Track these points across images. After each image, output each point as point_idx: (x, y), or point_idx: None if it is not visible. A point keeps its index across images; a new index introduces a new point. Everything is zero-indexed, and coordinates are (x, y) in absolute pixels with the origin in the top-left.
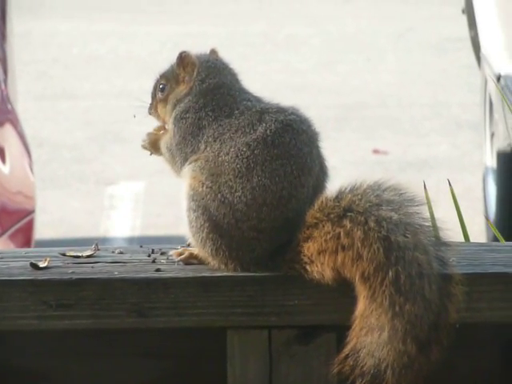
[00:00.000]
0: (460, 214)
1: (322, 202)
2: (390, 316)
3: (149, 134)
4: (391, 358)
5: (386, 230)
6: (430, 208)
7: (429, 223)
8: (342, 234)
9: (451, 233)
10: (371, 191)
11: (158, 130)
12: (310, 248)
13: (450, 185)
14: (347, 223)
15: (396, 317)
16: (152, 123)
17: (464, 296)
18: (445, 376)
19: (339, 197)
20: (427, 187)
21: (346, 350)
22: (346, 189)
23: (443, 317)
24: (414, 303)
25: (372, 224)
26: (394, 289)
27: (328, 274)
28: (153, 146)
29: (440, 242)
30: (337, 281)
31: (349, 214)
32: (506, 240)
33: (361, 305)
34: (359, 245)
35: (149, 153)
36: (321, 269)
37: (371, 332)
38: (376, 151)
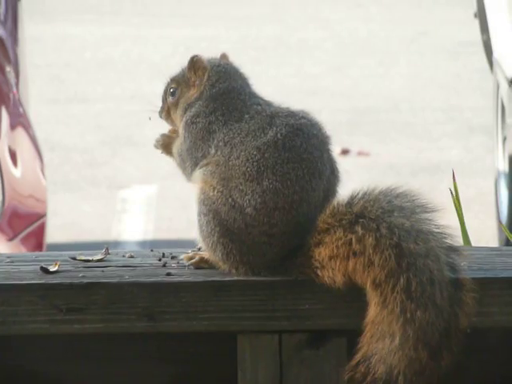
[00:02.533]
0: (461, 219)
1: (334, 207)
2: (402, 322)
3: (163, 136)
4: (403, 365)
5: (398, 237)
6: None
7: (440, 230)
8: (353, 240)
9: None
10: (383, 197)
11: (172, 132)
12: (321, 253)
13: (451, 192)
14: (359, 229)
15: (407, 323)
16: (164, 127)
17: (475, 302)
18: (456, 381)
19: (351, 202)
20: (439, 191)
21: (358, 357)
22: (357, 194)
23: (454, 324)
24: (425, 310)
25: (384, 231)
26: (406, 295)
27: (339, 280)
28: (165, 148)
29: (451, 249)
30: (348, 286)
31: (361, 220)
32: None
33: (372, 311)
34: (371, 251)
35: (160, 151)
36: (332, 274)
37: (382, 338)
38: (360, 153)
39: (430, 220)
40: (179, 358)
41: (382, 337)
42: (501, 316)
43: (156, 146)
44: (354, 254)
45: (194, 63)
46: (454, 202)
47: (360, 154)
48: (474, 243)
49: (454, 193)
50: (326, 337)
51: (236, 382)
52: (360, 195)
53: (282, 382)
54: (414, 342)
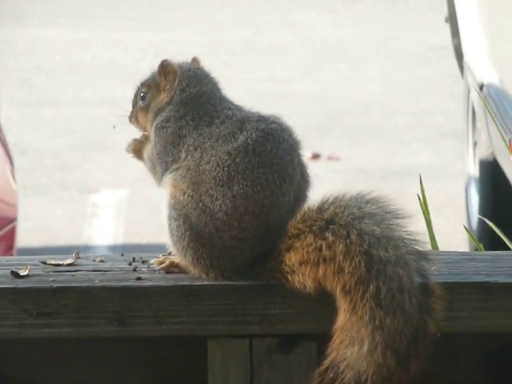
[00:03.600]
0: (429, 224)
1: (305, 212)
2: (370, 329)
3: (134, 140)
4: (371, 371)
5: (368, 244)
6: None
7: (411, 236)
8: (323, 246)
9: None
10: (354, 203)
11: (144, 138)
12: (291, 258)
13: (419, 198)
14: (329, 236)
15: (376, 330)
16: (135, 132)
17: (444, 309)
18: None
19: (322, 208)
20: (409, 195)
21: (326, 363)
22: (328, 199)
23: (422, 330)
24: (394, 317)
25: (354, 238)
26: (375, 303)
27: (309, 285)
28: (136, 153)
29: (421, 255)
30: (318, 291)
31: (331, 226)
32: (487, 249)
33: (341, 318)
34: (341, 258)
35: (131, 155)
36: (302, 279)
37: (351, 345)
38: (330, 157)
39: (400, 226)
40: (150, 362)
41: (351, 343)
42: (471, 320)
43: (127, 150)
44: (324, 260)
45: (164, 68)
46: (422, 207)
47: (330, 158)
48: (444, 248)
49: (421, 198)
50: (296, 341)
51: None
52: (331, 201)
53: None
54: (383, 348)
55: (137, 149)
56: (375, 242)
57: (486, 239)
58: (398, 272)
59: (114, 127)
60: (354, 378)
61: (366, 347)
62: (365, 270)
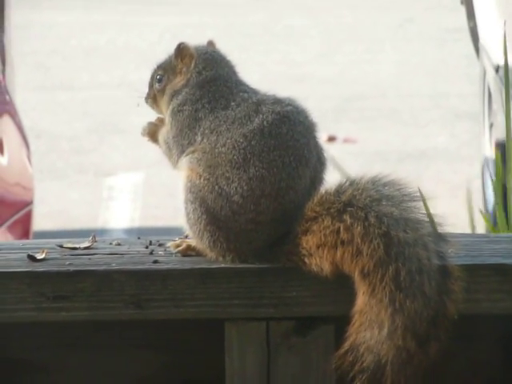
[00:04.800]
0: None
1: (322, 195)
2: (390, 312)
3: (149, 123)
4: (391, 354)
5: (387, 226)
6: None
7: (428, 218)
8: (341, 228)
9: (451, 225)
10: (371, 186)
11: (159, 121)
12: (308, 241)
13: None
14: (347, 218)
15: (396, 313)
16: (151, 115)
17: (462, 290)
18: (445, 367)
19: (339, 191)
20: (426, 178)
21: (346, 346)
22: (346, 182)
23: (441, 312)
24: (413, 299)
25: (372, 219)
26: (394, 285)
27: (327, 268)
28: (151, 136)
29: (440, 237)
30: (335, 274)
31: (349, 208)
32: (504, 231)
33: (360, 301)
34: (359, 240)
35: (146, 139)
36: (319, 262)
37: (370, 328)
38: (346, 140)
39: (417, 208)
40: (166, 346)
41: (371, 326)
42: (488, 303)
43: (143, 134)
44: (342, 242)
45: (181, 50)
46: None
47: (347, 140)
48: (460, 230)
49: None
50: (313, 324)
51: (223, 370)
52: (348, 183)
53: (269, 370)
54: (403, 331)
55: (152, 132)
56: (394, 223)
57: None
58: (417, 253)
59: (138, 105)
60: (373, 361)
61: (385, 330)
62: (383, 252)
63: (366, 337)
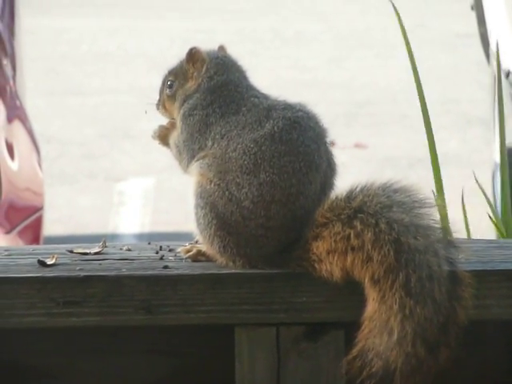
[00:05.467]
0: (465, 216)
1: (333, 201)
2: (400, 319)
3: (160, 127)
4: (400, 361)
5: (397, 233)
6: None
7: (439, 225)
8: (352, 235)
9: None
10: (382, 192)
11: (170, 125)
12: (319, 247)
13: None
14: (358, 224)
15: (406, 320)
16: (161, 120)
17: (472, 297)
18: (453, 373)
19: (350, 197)
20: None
21: (355, 351)
22: (356, 188)
23: (452, 319)
24: (424, 306)
25: (383, 226)
26: (405, 292)
27: (337, 274)
28: (162, 139)
29: (450, 244)
30: (345, 280)
31: (359, 215)
32: None
33: (370, 307)
34: (369, 247)
35: (157, 142)
36: (330, 268)
37: (380, 334)
38: (357, 145)
39: (428, 215)
40: (177, 351)
41: (380, 332)
42: (498, 308)
43: (153, 137)
44: (353, 249)
45: (193, 55)
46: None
47: (357, 146)
48: (471, 235)
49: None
50: (323, 329)
51: (234, 375)
52: (359, 189)
53: (279, 375)
54: (412, 338)
55: (163, 135)
56: (404, 230)
57: None
58: (427, 260)
59: (146, 112)
60: (382, 367)
61: (395, 337)
62: (394, 258)
63: (376, 343)
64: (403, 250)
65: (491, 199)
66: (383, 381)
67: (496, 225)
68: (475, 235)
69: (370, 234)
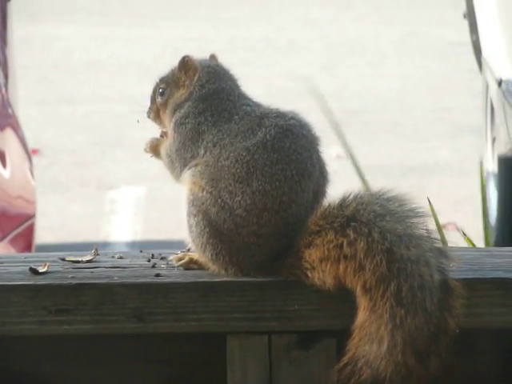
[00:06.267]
0: (439, 225)
1: (326, 209)
2: (390, 328)
3: (151, 139)
4: (389, 370)
5: (390, 242)
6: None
7: (432, 235)
8: (344, 243)
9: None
10: (375, 200)
11: (163, 134)
12: (311, 255)
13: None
14: (351, 233)
15: (396, 329)
16: (153, 128)
17: (463, 306)
18: (445, 381)
19: (343, 205)
20: (428, 192)
21: (345, 359)
22: (349, 196)
23: (443, 329)
24: (415, 316)
25: (376, 235)
26: (396, 301)
27: (329, 282)
28: (153, 150)
29: (441, 253)
30: (338, 288)
31: (353, 223)
32: (506, 245)
33: (361, 316)
34: (362, 256)
35: (150, 155)
36: (322, 276)
37: (370, 343)
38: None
39: (420, 224)
40: (169, 359)
41: (370, 341)
42: (490, 317)
43: (146, 150)
44: (345, 257)
45: (185, 63)
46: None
47: (338, 157)
48: (463, 244)
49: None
50: (315, 337)
51: (226, 383)
52: (352, 197)
53: (271, 383)
54: (402, 347)
55: (154, 146)
56: (397, 240)
57: (505, 235)
58: (419, 270)
59: (138, 121)
60: (371, 375)
61: (385, 346)
62: (386, 268)
63: (366, 351)
64: (395, 259)
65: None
66: None
67: (488, 233)
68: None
69: (362, 243)
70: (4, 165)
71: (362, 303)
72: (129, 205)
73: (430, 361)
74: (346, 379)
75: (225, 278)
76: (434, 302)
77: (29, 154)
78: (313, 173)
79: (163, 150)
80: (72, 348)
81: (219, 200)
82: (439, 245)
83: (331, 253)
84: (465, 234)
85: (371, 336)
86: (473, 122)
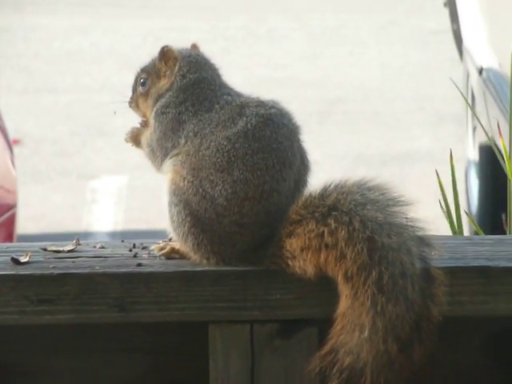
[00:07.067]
0: (448, 209)
1: (307, 198)
2: (372, 315)
3: (132, 128)
4: (370, 357)
5: (371, 231)
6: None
7: (412, 222)
8: (325, 232)
9: (434, 227)
10: (356, 189)
11: (143, 123)
12: (292, 244)
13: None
14: (332, 222)
15: (377, 316)
16: (135, 118)
17: (446, 295)
18: (428, 370)
19: (324, 194)
20: (409, 181)
21: (327, 347)
22: (330, 186)
23: (425, 317)
24: (396, 303)
25: (357, 224)
26: (377, 289)
27: (310, 271)
28: (134, 139)
29: (423, 241)
30: (319, 277)
31: (333, 213)
32: (487, 233)
33: (343, 304)
34: (343, 244)
35: (130, 145)
36: (303, 265)
37: (352, 331)
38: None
39: (402, 213)
40: (151, 348)
41: (352, 329)
42: (472, 305)
43: (126, 140)
44: (326, 246)
45: (165, 53)
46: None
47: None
48: (444, 232)
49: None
50: (297, 327)
51: (208, 372)
52: (332, 187)
53: (253, 372)
54: (383, 334)
55: (134, 135)
56: (378, 228)
57: (486, 223)
58: (400, 258)
59: (115, 113)
60: (352, 362)
61: (366, 333)
62: (367, 256)
63: (347, 339)
64: (376, 247)
65: (464, 196)
66: (353, 377)
67: (472, 220)
68: (449, 231)
69: (343, 231)
70: None
71: (344, 291)
72: (110, 194)
73: (413, 349)
74: (329, 367)
75: (207, 268)
76: (416, 290)
77: (10, 143)
78: (294, 162)
79: (144, 140)
80: (54, 338)
81: (200, 189)
82: (420, 233)
83: (312, 242)
84: (467, 214)
85: (353, 324)
86: (454, 111)
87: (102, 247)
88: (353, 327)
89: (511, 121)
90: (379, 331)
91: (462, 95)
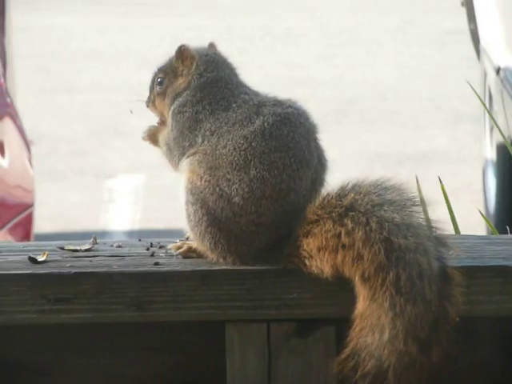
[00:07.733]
0: (451, 211)
1: (324, 198)
2: (391, 317)
3: (150, 127)
4: (393, 359)
5: (388, 232)
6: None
7: (430, 223)
8: (342, 233)
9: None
10: (373, 190)
11: (161, 123)
12: (309, 244)
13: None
14: (349, 223)
15: (397, 318)
16: (151, 117)
17: (463, 295)
18: (447, 370)
19: (341, 194)
20: (426, 181)
21: (347, 351)
22: (347, 185)
23: (443, 317)
24: (414, 304)
25: (374, 225)
26: (395, 290)
27: (327, 271)
28: (151, 138)
29: (440, 242)
30: (336, 277)
31: (351, 213)
32: (505, 232)
33: (360, 305)
34: (360, 245)
35: (147, 142)
36: (320, 265)
37: (372, 333)
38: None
39: (419, 213)
40: (168, 348)
41: (371, 331)
42: (489, 304)
43: (143, 138)
44: (343, 246)
45: (182, 52)
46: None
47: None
48: (461, 232)
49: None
50: (314, 326)
51: (225, 371)
52: (350, 186)
53: (270, 371)
54: (404, 336)
55: (152, 134)
56: (395, 229)
57: (505, 223)
58: (417, 259)
59: (131, 112)
60: (375, 366)
61: (386, 335)
62: (384, 257)
63: (368, 342)
64: (394, 248)
65: (482, 195)
66: (377, 380)
67: (487, 221)
68: (466, 231)
69: (360, 232)
70: (2, 154)
71: (362, 292)
72: (127, 194)
73: (431, 349)
74: (352, 372)
75: (223, 267)
76: (433, 291)
77: (27, 143)
78: (311, 161)
79: (161, 139)
80: (71, 337)
81: (217, 188)
82: (438, 233)
83: (329, 242)
84: (481, 214)
85: (372, 325)
86: (471, 111)
87: (119, 246)
88: (372, 329)
89: None
90: (399, 333)
91: (478, 96)
